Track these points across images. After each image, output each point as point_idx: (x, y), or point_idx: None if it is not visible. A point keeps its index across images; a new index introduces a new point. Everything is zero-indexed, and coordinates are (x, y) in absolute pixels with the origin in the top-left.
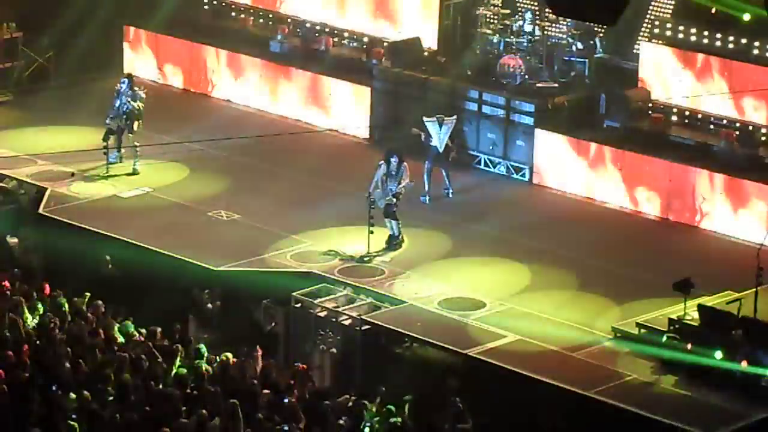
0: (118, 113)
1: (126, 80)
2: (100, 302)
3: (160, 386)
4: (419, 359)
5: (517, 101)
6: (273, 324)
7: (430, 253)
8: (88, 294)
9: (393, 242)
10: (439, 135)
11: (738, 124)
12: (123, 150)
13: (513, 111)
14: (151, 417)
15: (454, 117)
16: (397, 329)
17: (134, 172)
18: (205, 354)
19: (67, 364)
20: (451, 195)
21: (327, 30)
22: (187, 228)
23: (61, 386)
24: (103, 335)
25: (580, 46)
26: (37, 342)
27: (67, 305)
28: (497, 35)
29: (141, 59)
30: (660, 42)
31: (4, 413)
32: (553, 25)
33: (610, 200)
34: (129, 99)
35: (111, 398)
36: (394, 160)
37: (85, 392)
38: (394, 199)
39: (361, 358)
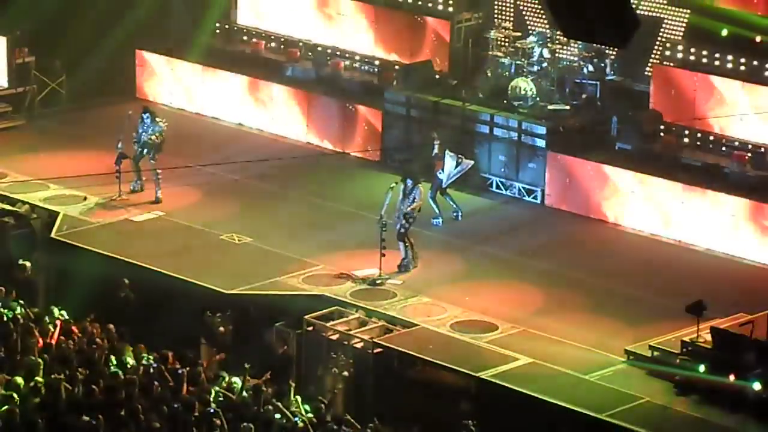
0: (138, 140)
1: (148, 113)
2: (111, 326)
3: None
4: (431, 382)
5: (528, 123)
6: (285, 347)
7: (443, 276)
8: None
9: (404, 265)
10: (450, 171)
11: (750, 146)
12: (144, 178)
13: (525, 133)
14: None
15: (471, 162)
16: (409, 352)
17: (157, 200)
18: (226, 377)
19: (78, 390)
20: (460, 217)
21: (339, 53)
22: (199, 251)
23: (73, 409)
24: (114, 359)
25: (591, 68)
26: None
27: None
28: (508, 58)
29: (153, 83)
30: (671, 64)
31: None
32: (565, 47)
33: (622, 222)
34: (150, 131)
35: (121, 421)
36: (409, 183)
37: (100, 416)
38: (403, 221)
39: (374, 382)
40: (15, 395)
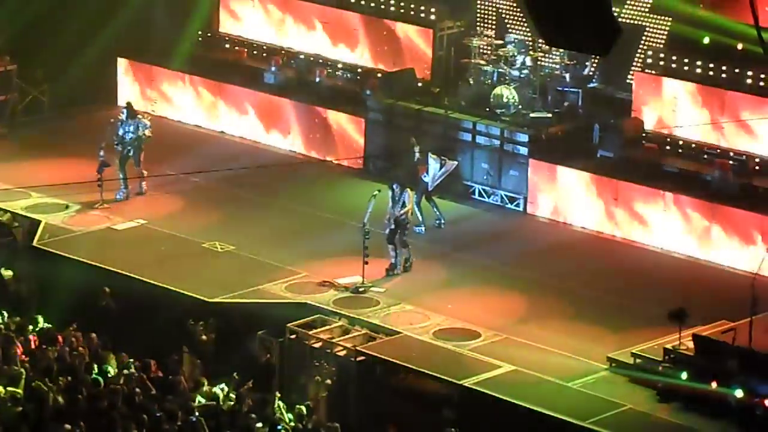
0: (122, 141)
1: (125, 110)
2: (93, 334)
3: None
4: (414, 390)
5: (511, 131)
6: (268, 356)
7: (425, 284)
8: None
9: (393, 270)
10: (435, 173)
11: (732, 154)
12: (129, 186)
13: (507, 141)
14: None
15: (455, 163)
16: (392, 360)
17: (141, 192)
18: (205, 386)
19: (60, 398)
20: (443, 225)
21: (321, 61)
22: (182, 259)
23: (54, 419)
24: (96, 367)
25: (573, 76)
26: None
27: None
28: (490, 66)
29: (134, 91)
30: (653, 72)
31: None
32: (546, 55)
33: (604, 230)
34: (132, 129)
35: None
36: (396, 188)
37: (82, 424)
38: (393, 225)
39: (356, 389)
40: None
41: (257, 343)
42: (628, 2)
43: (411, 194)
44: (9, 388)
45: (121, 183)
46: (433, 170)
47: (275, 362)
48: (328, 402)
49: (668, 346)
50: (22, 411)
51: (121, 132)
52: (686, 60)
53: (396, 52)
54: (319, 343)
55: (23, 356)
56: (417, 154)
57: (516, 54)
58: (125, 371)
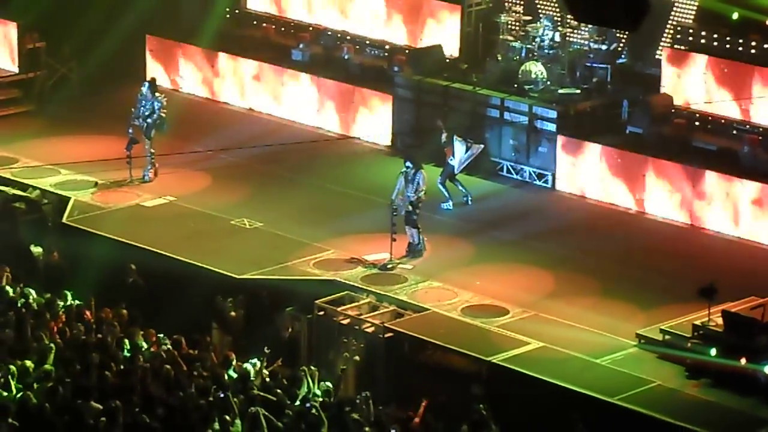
0: (138, 116)
1: (147, 84)
2: (124, 310)
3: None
4: (442, 366)
5: (539, 108)
6: (289, 330)
7: (453, 260)
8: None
9: (413, 250)
10: (461, 157)
11: (761, 129)
12: (156, 164)
13: (535, 117)
14: (176, 426)
15: (482, 146)
16: (420, 336)
17: (144, 180)
18: (233, 362)
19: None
20: (470, 201)
21: (348, 38)
22: (210, 236)
23: (86, 395)
24: (127, 344)
25: (602, 52)
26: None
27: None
28: (519, 42)
29: (163, 68)
30: (682, 47)
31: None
32: (575, 31)
33: (633, 206)
34: (149, 105)
35: (136, 408)
36: (410, 167)
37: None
38: (411, 207)
39: (385, 366)
40: (28, 380)
41: (286, 320)
42: None
43: (426, 175)
44: (38, 364)
45: (147, 161)
46: (460, 153)
47: (300, 336)
48: (356, 378)
49: (697, 322)
50: (52, 387)
51: (141, 109)
52: (715, 35)
53: (424, 29)
54: (348, 320)
55: (53, 332)
56: (443, 137)
57: (545, 30)
58: (162, 346)
